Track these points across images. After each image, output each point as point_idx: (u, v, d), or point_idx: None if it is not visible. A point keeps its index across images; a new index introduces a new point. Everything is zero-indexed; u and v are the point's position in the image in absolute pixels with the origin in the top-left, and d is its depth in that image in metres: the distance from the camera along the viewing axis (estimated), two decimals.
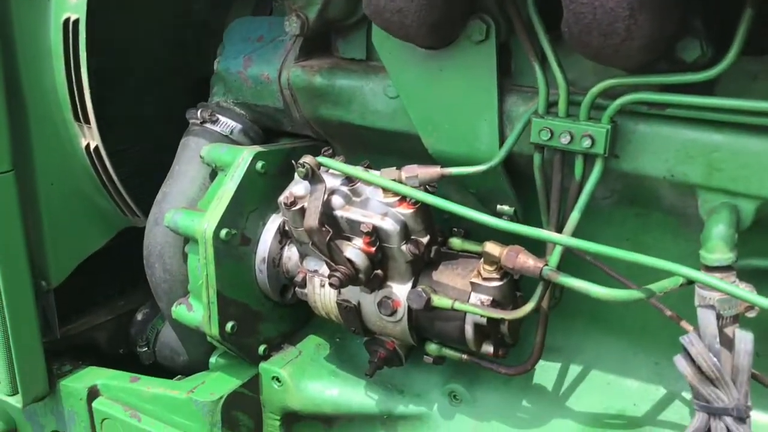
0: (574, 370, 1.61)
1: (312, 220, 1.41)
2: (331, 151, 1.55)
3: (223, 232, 1.56)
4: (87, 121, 1.64)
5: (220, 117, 1.73)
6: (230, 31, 1.76)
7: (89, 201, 1.79)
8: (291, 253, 1.67)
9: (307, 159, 1.42)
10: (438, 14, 1.29)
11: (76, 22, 1.56)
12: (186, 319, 1.66)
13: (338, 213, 1.46)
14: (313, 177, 1.42)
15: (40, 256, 1.71)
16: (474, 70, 1.41)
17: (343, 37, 1.64)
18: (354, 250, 1.43)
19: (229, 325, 1.62)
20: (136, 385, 1.75)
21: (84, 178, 1.75)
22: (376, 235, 1.42)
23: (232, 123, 1.73)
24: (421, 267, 1.49)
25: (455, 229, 1.55)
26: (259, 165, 1.61)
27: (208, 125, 1.73)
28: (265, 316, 1.73)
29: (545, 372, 1.60)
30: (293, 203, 1.48)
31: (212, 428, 1.65)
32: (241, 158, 1.61)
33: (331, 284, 1.43)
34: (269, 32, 1.70)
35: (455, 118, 1.46)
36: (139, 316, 2.08)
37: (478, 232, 1.55)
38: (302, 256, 1.60)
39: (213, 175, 1.70)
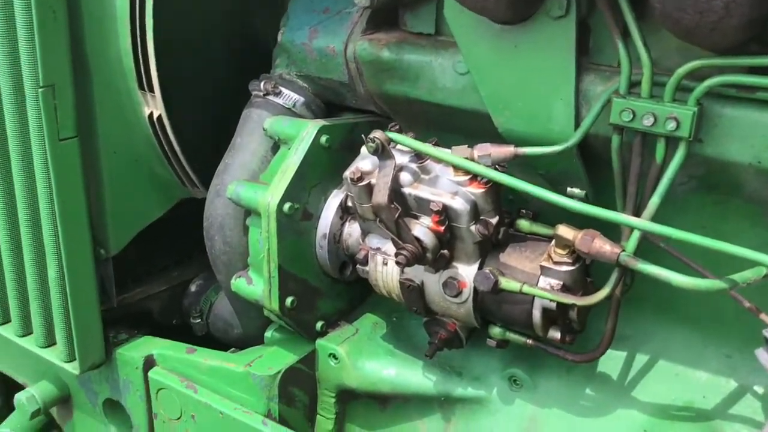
0: (641, 359, 1.57)
1: (381, 196, 1.38)
2: (398, 126, 1.52)
3: (287, 206, 1.54)
4: (151, 90, 1.62)
5: (283, 89, 1.70)
6: (295, 1, 1.72)
7: (150, 170, 1.77)
8: (352, 229, 1.65)
9: (378, 134, 1.39)
10: None
11: None
12: (245, 292, 1.65)
13: (406, 190, 1.43)
14: (382, 152, 1.39)
15: (100, 223, 1.71)
16: (551, 47, 1.36)
17: (412, 10, 1.60)
18: (422, 229, 1.40)
19: (288, 300, 1.60)
20: (193, 357, 1.75)
21: (145, 148, 1.73)
22: (445, 214, 1.38)
23: (294, 96, 1.70)
24: (489, 248, 1.46)
25: (523, 211, 1.51)
26: (323, 139, 1.59)
27: (270, 97, 1.70)
28: (324, 292, 1.71)
29: (610, 360, 1.56)
30: (360, 178, 1.45)
31: (269, 402, 1.64)
32: (306, 132, 1.58)
33: (397, 262, 1.40)
34: (335, 4, 1.67)
35: (529, 96, 1.41)
36: (193, 288, 2.08)
37: (545, 215, 1.52)
38: (364, 233, 1.58)
39: (275, 148, 1.67)
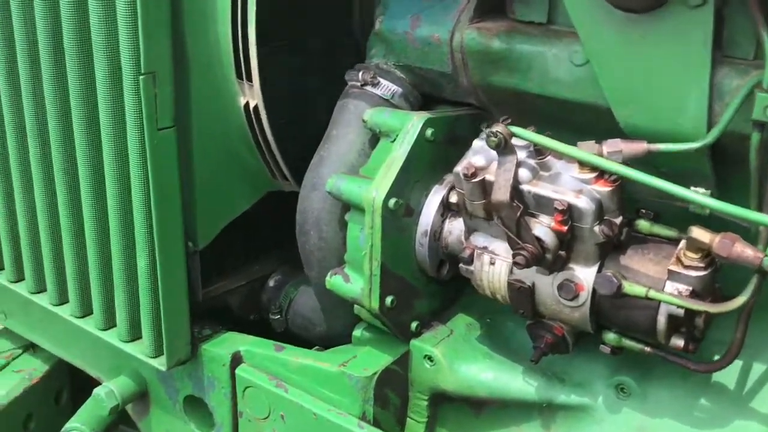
0: (759, 368, 1.48)
1: (502, 194, 1.31)
2: (510, 120, 1.45)
3: (392, 201, 1.48)
4: (249, 79, 1.57)
5: (381, 80, 1.64)
6: None
7: (240, 161, 1.72)
8: (452, 227, 1.58)
9: (500, 128, 1.32)
10: None
11: None
12: (342, 290, 1.59)
13: (525, 187, 1.36)
14: (505, 147, 1.32)
15: (189, 215, 1.66)
16: (685, 38, 1.28)
17: None
18: (543, 229, 1.33)
19: (388, 300, 1.55)
20: (282, 355, 1.69)
21: (237, 138, 1.68)
22: (569, 213, 1.31)
23: (393, 86, 1.64)
24: (609, 249, 1.38)
25: (642, 211, 1.43)
26: (428, 132, 1.52)
27: (368, 88, 1.64)
28: (420, 291, 1.65)
29: (728, 370, 1.47)
30: (473, 174, 1.39)
31: (364, 404, 1.58)
32: (411, 124, 1.52)
33: (515, 263, 1.33)
34: None
35: (658, 90, 1.33)
36: (272, 283, 2.02)
37: (664, 216, 1.44)
38: (469, 231, 1.51)
39: (373, 140, 1.61)
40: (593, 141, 1.34)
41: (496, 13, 1.56)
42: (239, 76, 1.58)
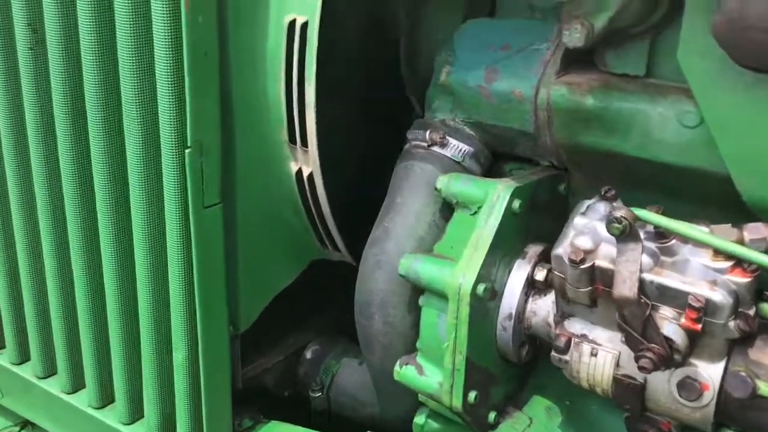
0: None
1: (627, 289, 1.13)
2: (613, 192, 1.27)
3: (481, 288, 1.29)
4: (305, 144, 1.36)
5: (451, 139, 1.44)
6: (463, 35, 1.46)
7: (286, 230, 1.52)
8: (537, 306, 1.40)
9: (624, 212, 1.13)
10: None
11: (305, 25, 1.27)
12: (415, 384, 1.39)
13: (647, 276, 1.17)
14: (629, 234, 1.14)
15: (232, 298, 1.45)
16: None
17: (617, 47, 1.35)
18: (673, 326, 1.15)
19: (472, 396, 1.35)
20: None
21: (284, 207, 1.48)
22: (704, 308, 1.13)
23: (463, 146, 1.45)
24: (738, 342, 1.21)
25: (766, 293, 1.26)
26: (516, 204, 1.33)
27: (435, 148, 1.44)
28: (498, 378, 1.46)
29: None
30: (582, 260, 1.20)
31: None
32: (496, 196, 1.33)
33: (641, 368, 1.15)
34: (516, 38, 1.41)
35: None
36: (309, 354, 1.82)
37: None
38: (563, 316, 1.32)
39: (444, 209, 1.42)
40: (729, 225, 1.16)
41: (584, 64, 1.38)
42: (292, 140, 1.37)
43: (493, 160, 1.51)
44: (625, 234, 1.13)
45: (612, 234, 1.15)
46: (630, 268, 1.13)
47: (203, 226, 1.29)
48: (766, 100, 1.15)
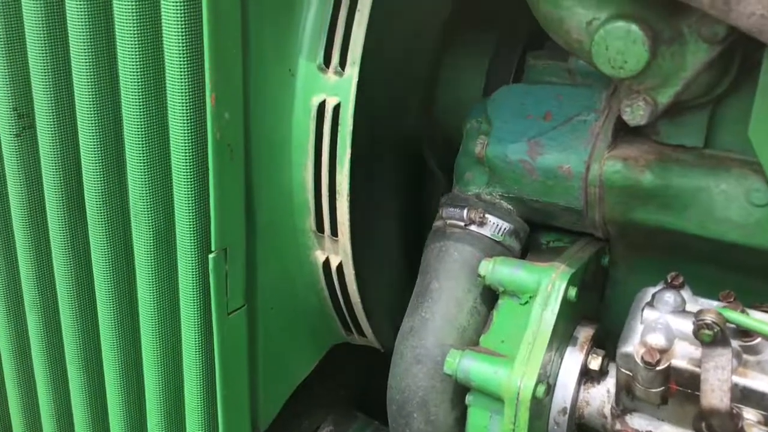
0: None
1: (718, 399, 1.02)
2: (681, 279, 1.17)
3: (541, 389, 1.17)
4: (334, 233, 1.22)
5: (490, 217, 1.32)
6: (498, 103, 1.34)
7: (308, 320, 1.37)
8: (590, 396, 1.28)
9: (714, 316, 1.02)
10: None
11: (337, 107, 1.13)
12: None
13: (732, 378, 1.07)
14: (721, 340, 1.03)
15: (254, 398, 1.30)
16: None
17: (673, 118, 1.24)
18: None
19: None
20: None
21: (308, 294, 1.33)
22: None
23: (502, 224, 1.33)
24: None
25: None
26: (571, 293, 1.22)
27: (473, 227, 1.32)
28: None
29: None
30: (658, 362, 1.09)
31: None
32: (551, 285, 1.21)
33: None
34: (559, 108, 1.29)
35: None
36: None
37: None
38: (624, 410, 1.21)
39: (485, 294, 1.30)
40: None
41: (632, 133, 1.27)
42: (320, 229, 1.23)
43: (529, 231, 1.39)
44: (717, 339, 1.03)
45: (702, 341, 1.04)
46: (720, 377, 1.02)
47: (228, 333, 1.15)
48: None
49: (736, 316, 1.05)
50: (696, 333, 1.04)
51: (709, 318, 1.02)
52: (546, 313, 1.19)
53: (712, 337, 1.02)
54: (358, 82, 1.13)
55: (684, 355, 1.10)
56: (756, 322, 1.04)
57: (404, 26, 1.37)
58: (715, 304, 1.16)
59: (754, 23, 0.89)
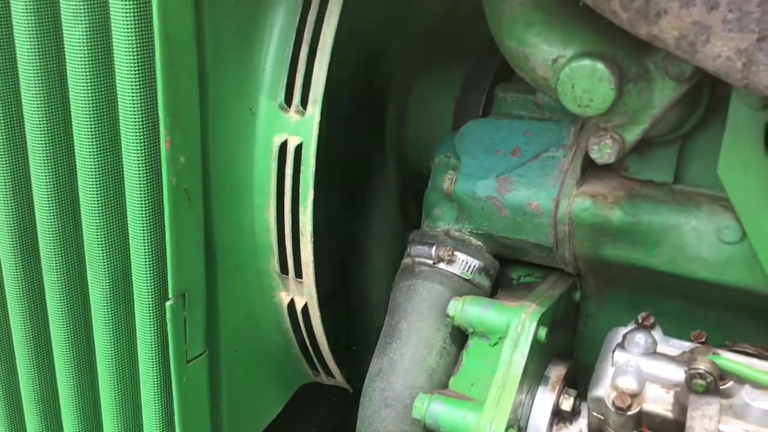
0: None
1: None
2: (652, 320, 1.14)
3: None
4: (299, 275, 1.19)
5: (459, 254, 1.29)
6: (466, 138, 1.31)
7: (274, 362, 1.34)
8: None
9: (707, 365, 1.00)
10: None
11: (299, 147, 1.10)
12: None
13: None
14: (712, 389, 1.01)
15: None
16: None
17: (642, 153, 1.22)
18: None
19: None
20: None
21: (273, 336, 1.30)
22: None
23: (471, 261, 1.30)
24: None
25: None
26: (542, 333, 1.19)
27: (442, 265, 1.29)
28: None
29: None
30: (629, 406, 1.06)
31: None
32: (520, 325, 1.18)
33: None
34: (528, 143, 1.27)
35: None
36: None
37: None
38: None
39: (455, 334, 1.27)
40: None
41: (603, 170, 1.25)
42: (284, 270, 1.20)
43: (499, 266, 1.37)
44: (710, 390, 1.00)
45: (694, 391, 1.01)
46: (706, 426, 1.00)
47: (186, 381, 1.11)
48: None
49: (731, 364, 1.02)
50: (688, 382, 1.01)
51: (702, 367, 1.00)
52: (516, 355, 1.17)
53: (705, 387, 1.00)
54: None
55: (656, 399, 1.08)
56: (752, 371, 1.02)
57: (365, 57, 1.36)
58: (686, 344, 1.14)
59: (720, 65, 0.88)
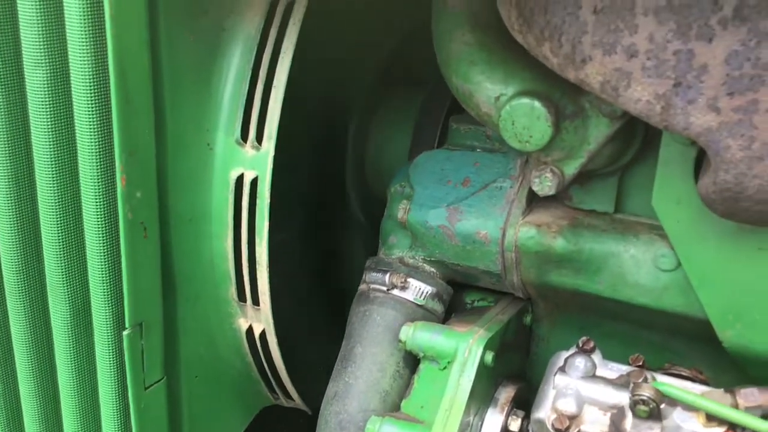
0: None
1: None
2: (592, 344, 1.20)
3: None
4: (256, 303, 1.23)
5: (412, 281, 1.34)
6: (420, 168, 1.37)
7: (234, 385, 1.38)
8: None
9: (650, 391, 1.05)
10: None
11: (255, 181, 1.15)
12: None
13: None
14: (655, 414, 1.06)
15: None
16: None
17: (584, 184, 1.29)
18: None
19: None
20: None
21: (232, 359, 1.34)
22: None
23: (424, 287, 1.35)
24: None
25: None
26: (488, 358, 1.24)
27: (395, 291, 1.34)
28: None
29: None
30: (567, 428, 1.11)
31: None
32: (467, 350, 1.23)
33: None
34: (477, 174, 1.33)
35: None
36: None
37: None
38: None
39: (408, 357, 1.31)
40: (722, 390, 1.10)
41: (549, 199, 1.31)
42: (242, 298, 1.24)
43: (453, 292, 1.42)
44: (653, 415, 1.06)
45: (638, 417, 1.06)
46: None
47: (145, 407, 1.15)
48: (748, 250, 1.11)
49: (673, 390, 1.07)
50: (632, 408, 1.06)
51: (645, 394, 1.05)
52: (463, 379, 1.22)
53: (648, 413, 1.05)
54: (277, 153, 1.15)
55: (593, 421, 1.13)
56: (693, 397, 1.07)
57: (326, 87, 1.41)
58: (624, 368, 1.19)
59: (641, 108, 0.94)
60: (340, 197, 1.58)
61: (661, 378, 1.14)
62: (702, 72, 0.88)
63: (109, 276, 1.06)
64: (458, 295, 1.46)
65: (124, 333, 1.08)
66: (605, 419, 1.12)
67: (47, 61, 1.00)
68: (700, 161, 1.11)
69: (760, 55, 0.85)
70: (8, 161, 1.07)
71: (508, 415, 1.30)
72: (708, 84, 0.88)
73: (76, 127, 1.02)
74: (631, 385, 1.11)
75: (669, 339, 1.36)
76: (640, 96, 0.93)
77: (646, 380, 1.12)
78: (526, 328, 1.45)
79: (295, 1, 1.15)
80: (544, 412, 1.15)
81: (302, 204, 1.44)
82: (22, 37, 1.01)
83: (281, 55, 1.15)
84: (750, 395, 1.07)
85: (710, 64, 0.87)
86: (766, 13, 0.83)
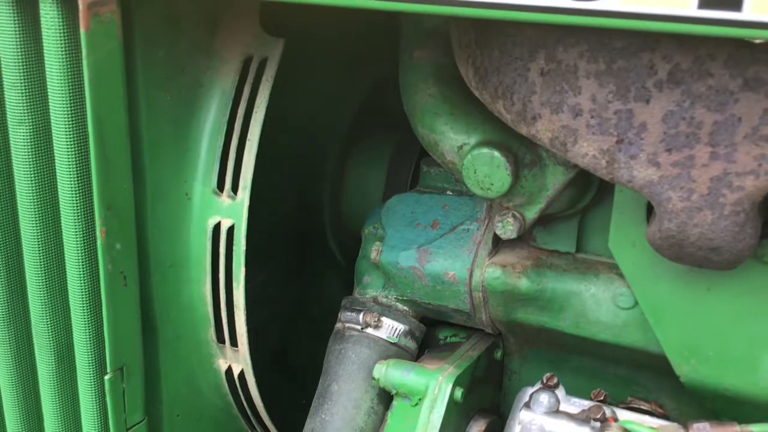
0: None
1: None
2: (556, 380, 1.25)
3: None
4: (235, 344, 1.29)
5: (385, 319, 1.40)
6: (391, 211, 1.43)
7: (214, 422, 1.42)
8: None
9: (618, 431, 1.11)
10: (753, 247, 1.02)
11: (231, 228, 1.21)
12: None
13: None
14: None
15: None
16: (759, 294, 1.13)
17: (547, 226, 1.35)
18: None
19: None
20: None
21: (212, 397, 1.39)
22: None
23: (397, 326, 1.41)
24: None
25: None
26: (457, 394, 1.29)
27: (369, 330, 1.40)
28: None
29: None
30: None
31: None
32: (437, 387, 1.29)
33: None
34: (446, 216, 1.39)
35: (725, 346, 1.18)
36: None
37: None
38: None
39: (382, 394, 1.37)
40: (676, 424, 1.16)
41: (515, 240, 1.37)
42: (220, 339, 1.30)
43: (426, 328, 1.47)
44: None
45: None
46: None
47: None
48: (698, 290, 1.17)
49: (640, 429, 1.13)
50: None
51: (605, 422, 1.11)
52: (433, 415, 1.27)
53: None
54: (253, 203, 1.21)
55: None
56: (641, 427, 1.13)
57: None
58: (586, 403, 1.25)
59: (588, 162, 1.00)
60: (318, 238, 1.64)
61: (621, 413, 1.20)
62: (641, 130, 0.94)
63: (91, 322, 1.12)
64: (432, 331, 1.51)
65: (106, 377, 1.13)
66: None
67: (29, 119, 1.06)
68: (652, 206, 1.17)
69: (694, 115, 0.92)
70: None
71: None
72: (648, 141, 0.95)
73: (57, 183, 1.07)
74: (599, 425, 1.17)
75: (634, 373, 1.41)
76: (587, 151, 0.99)
77: (604, 415, 1.17)
78: (498, 362, 1.50)
79: (268, 57, 1.21)
80: None
81: (280, 246, 1.49)
82: (6, 97, 1.07)
83: (255, 110, 1.21)
84: (702, 429, 1.13)
85: (649, 123, 0.94)
86: (698, 77, 0.90)
